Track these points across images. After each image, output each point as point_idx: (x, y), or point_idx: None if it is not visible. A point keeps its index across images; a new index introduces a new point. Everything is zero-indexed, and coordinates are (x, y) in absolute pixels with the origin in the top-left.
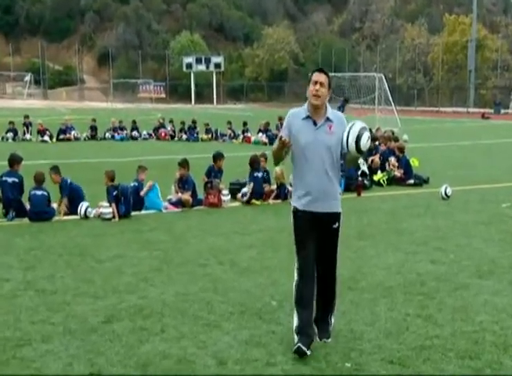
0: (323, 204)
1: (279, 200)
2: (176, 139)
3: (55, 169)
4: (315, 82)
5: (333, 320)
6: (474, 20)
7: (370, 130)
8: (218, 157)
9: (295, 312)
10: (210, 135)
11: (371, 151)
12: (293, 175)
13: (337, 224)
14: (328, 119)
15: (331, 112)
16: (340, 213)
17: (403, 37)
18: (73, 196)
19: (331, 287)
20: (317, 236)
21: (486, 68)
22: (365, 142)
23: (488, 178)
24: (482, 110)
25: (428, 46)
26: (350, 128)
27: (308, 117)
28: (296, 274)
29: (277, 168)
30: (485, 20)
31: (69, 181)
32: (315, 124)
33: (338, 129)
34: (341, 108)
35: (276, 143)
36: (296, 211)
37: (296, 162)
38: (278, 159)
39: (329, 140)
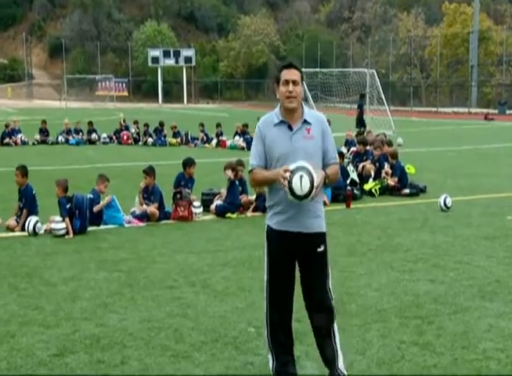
0: (302, 223)
1: (258, 213)
2: (140, 143)
3: (23, 170)
4: (287, 82)
5: (342, 366)
6: (477, 10)
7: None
8: (188, 163)
9: (269, 350)
10: (179, 139)
11: (361, 157)
12: (268, 189)
13: (322, 247)
14: (305, 121)
15: (308, 113)
16: (324, 233)
17: (397, 29)
18: (30, 208)
19: (326, 327)
20: (299, 263)
21: (490, 63)
22: (299, 186)
23: (493, 187)
24: (485, 111)
25: (425, 39)
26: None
27: (281, 121)
28: (266, 306)
29: None
30: (489, 10)
31: (34, 190)
32: (290, 128)
33: (317, 132)
34: (361, 107)
35: (271, 173)
36: (269, 232)
37: None
38: (261, 186)
39: (308, 146)
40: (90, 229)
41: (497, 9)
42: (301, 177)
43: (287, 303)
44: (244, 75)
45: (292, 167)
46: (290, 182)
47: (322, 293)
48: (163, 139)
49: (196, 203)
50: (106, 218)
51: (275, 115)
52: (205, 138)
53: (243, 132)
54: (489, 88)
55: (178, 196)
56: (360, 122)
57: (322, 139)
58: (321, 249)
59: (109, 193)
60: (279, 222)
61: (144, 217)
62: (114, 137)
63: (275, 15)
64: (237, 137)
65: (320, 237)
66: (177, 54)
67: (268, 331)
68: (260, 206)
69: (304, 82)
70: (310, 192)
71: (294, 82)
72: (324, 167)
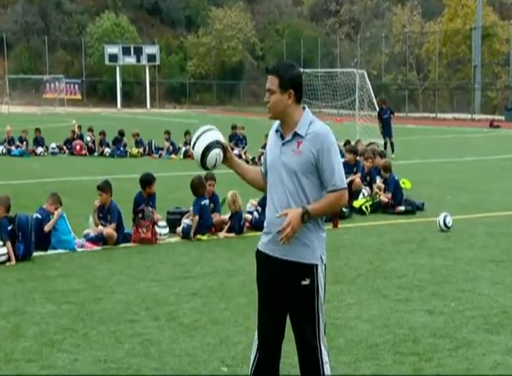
0: (284, 249)
1: (232, 234)
2: (96, 153)
3: None
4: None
5: None
6: (480, 3)
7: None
8: (146, 182)
9: None
10: (141, 149)
11: (351, 168)
12: None
13: (307, 280)
14: (296, 134)
15: (304, 124)
16: (313, 266)
17: (391, 24)
18: None
19: (313, 373)
20: (286, 294)
21: (495, 63)
22: (211, 161)
23: (499, 204)
24: (490, 117)
25: (422, 35)
26: (198, 137)
27: (277, 130)
28: (255, 337)
29: (229, 193)
30: (494, 3)
31: None
32: (282, 138)
33: (309, 148)
34: (380, 115)
35: None
36: (256, 252)
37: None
38: (250, 184)
39: (293, 162)
40: (36, 254)
41: (503, 3)
42: (217, 155)
43: (276, 337)
44: (216, 76)
45: (207, 141)
46: (204, 156)
47: (307, 333)
48: (122, 149)
49: (161, 223)
50: (54, 241)
51: (278, 122)
52: (171, 148)
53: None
54: (495, 92)
55: (140, 215)
56: (384, 132)
57: (317, 158)
58: (306, 282)
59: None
60: (264, 243)
61: (99, 240)
62: (65, 147)
63: (252, 7)
64: None
65: (306, 269)
66: (138, 51)
67: (253, 367)
68: (235, 226)
69: (290, 89)
70: (203, 156)
71: (269, 91)
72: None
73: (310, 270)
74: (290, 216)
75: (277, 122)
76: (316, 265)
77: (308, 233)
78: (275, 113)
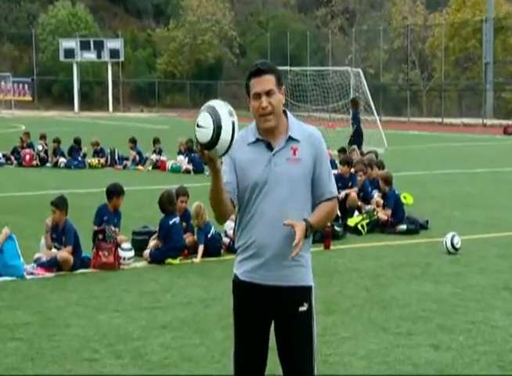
0: (279, 273)
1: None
2: (49, 164)
3: None
4: (258, 94)
5: None
6: None
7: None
8: (114, 193)
9: None
10: (103, 159)
11: (345, 182)
12: (237, 227)
13: (305, 305)
14: (291, 139)
15: (295, 126)
16: (310, 287)
17: (390, 16)
18: None
19: None
20: (275, 324)
21: (510, 61)
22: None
23: None
24: (504, 122)
25: (426, 28)
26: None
27: (258, 139)
28: None
29: (193, 205)
30: None
31: None
32: (270, 148)
33: (307, 153)
34: (356, 116)
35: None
36: (236, 284)
37: (242, 208)
38: (217, 207)
39: (292, 171)
40: None
41: None
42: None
43: (257, 374)
44: (190, 75)
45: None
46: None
47: (303, 365)
48: (80, 159)
49: (126, 245)
50: None
51: (251, 131)
52: (138, 157)
53: (189, 150)
54: (509, 93)
55: (101, 236)
56: (355, 138)
57: (314, 164)
58: (304, 308)
59: (3, 227)
60: (248, 270)
61: (53, 265)
62: (12, 157)
63: None
64: (181, 156)
65: (303, 293)
66: (99, 45)
67: None
68: (200, 241)
69: (283, 86)
70: (217, 136)
71: (268, 93)
72: (313, 203)
73: (307, 293)
74: (299, 230)
75: (246, 134)
76: (311, 287)
77: (303, 252)
78: (277, 120)
